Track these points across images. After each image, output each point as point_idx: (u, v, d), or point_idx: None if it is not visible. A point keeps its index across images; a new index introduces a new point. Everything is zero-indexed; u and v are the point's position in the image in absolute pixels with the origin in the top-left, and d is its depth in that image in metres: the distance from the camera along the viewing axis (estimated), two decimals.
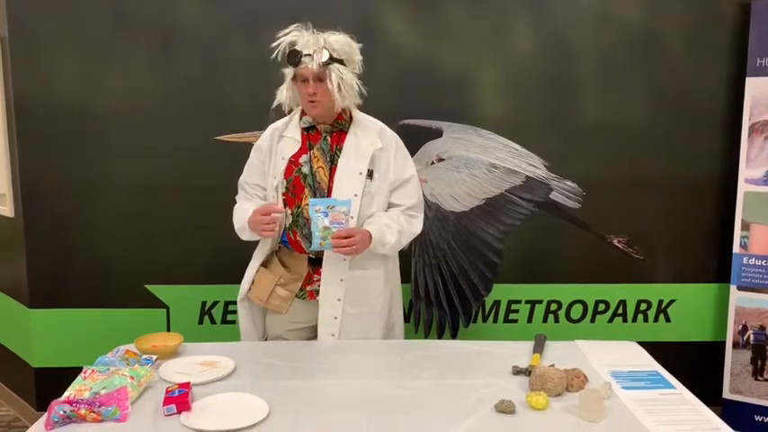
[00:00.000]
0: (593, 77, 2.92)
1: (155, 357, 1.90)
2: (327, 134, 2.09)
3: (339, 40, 1.99)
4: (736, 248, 2.92)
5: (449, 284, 2.97)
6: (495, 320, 3.07)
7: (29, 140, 2.87)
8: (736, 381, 2.96)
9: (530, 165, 2.94)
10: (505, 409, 1.62)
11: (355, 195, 2.03)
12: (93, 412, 1.55)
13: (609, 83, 2.92)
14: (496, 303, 3.05)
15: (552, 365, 1.81)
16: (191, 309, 2.95)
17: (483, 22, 2.86)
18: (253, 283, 2.15)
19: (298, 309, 2.12)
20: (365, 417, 1.61)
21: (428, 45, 2.86)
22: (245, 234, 2.11)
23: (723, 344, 2.99)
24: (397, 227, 2.07)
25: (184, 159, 2.85)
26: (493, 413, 1.62)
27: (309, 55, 1.94)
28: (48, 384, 2.97)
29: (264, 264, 2.15)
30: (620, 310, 3.08)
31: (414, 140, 2.90)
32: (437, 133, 2.91)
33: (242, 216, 2.09)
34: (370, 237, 2.00)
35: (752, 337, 2.92)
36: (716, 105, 2.95)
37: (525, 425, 1.58)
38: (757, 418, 2.92)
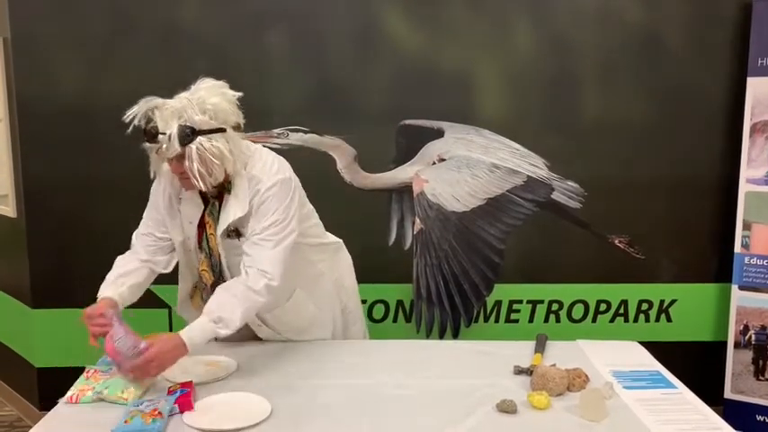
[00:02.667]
0: (595, 77, 2.92)
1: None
2: (214, 198, 1.89)
3: (209, 104, 1.74)
4: (737, 248, 2.92)
5: (450, 284, 2.97)
6: (497, 320, 3.07)
7: (31, 140, 2.87)
8: (737, 381, 2.96)
9: (531, 165, 2.94)
10: (507, 408, 1.62)
11: (224, 259, 1.90)
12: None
13: (610, 83, 2.92)
14: (498, 303, 3.06)
15: (554, 365, 1.81)
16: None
17: (484, 21, 2.86)
18: (194, 288, 2.09)
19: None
20: (367, 416, 1.62)
21: (429, 45, 2.86)
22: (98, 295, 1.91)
23: (724, 344, 2.99)
24: (238, 305, 1.78)
25: None
26: (494, 413, 1.63)
27: (164, 134, 1.71)
28: (50, 384, 2.96)
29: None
30: (621, 310, 3.08)
31: (415, 141, 2.92)
32: (438, 133, 2.91)
33: (103, 285, 1.93)
34: (182, 342, 1.71)
35: (753, 337, 2.92)
36: (717, 105, 2.95)
37: (527, 424, 1.58)
38: (759, 417, 2.92)
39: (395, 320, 3.05)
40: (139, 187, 2.88)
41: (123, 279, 1.94)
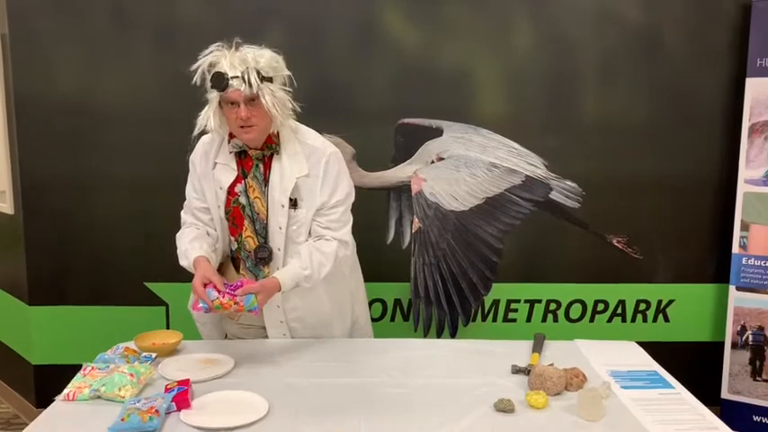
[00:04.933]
0: (594, 77, 2.92)
1: (154, 355, 1.90)
2: (259, 161, 1.94)
3: (265, 57, 1.82)
4: (735, 249, 2.92)
5: (448, 283, 2.97)
6: (495, 320, 3.07)
7: (29, 137, 2.87)
8: (734, 381, 2.96)
9: (529, 164, 2.94)
10: (505, 407, 1.62)
11: (279, 228, 1.95)
12: (236, 303, 1.76)
13: (609, 82, 2.92)
14: (496, 302, 3.06)
15: (551, 365, 1.81)
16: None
17: (483, 20, 2.86)
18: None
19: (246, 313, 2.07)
20: (364, 415, 1.61)
21: (428, 44, 2.86)
22: (184, 264, 1.97)
23: (722, 344, 2.99)
24: (326, 263, 1.94)
25: (184, 156, 2.84)
26: (492, 412, 1.63)
27: (237, 77, 1.77)
28: (47, 381, 2.97)
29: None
30: (619, 310, 3.08)
31: (413, 139, 2.91)
32: (437, 132, 2.91)
33: (185, 253, 1.95)
34: (278, 286, 1.87)
35: (750, 338, 2.92)
36: (716, 105, 2.95)
37: (524, 424, 1.58)
38: (756, 418, 2.92)
39: (392, 319, 3.04)
40: (137, 184, 2.89)
41: (199, 242, 1.97)
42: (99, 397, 1.66)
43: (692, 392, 1.79)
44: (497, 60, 2.89)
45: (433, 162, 2.92)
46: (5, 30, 2.81)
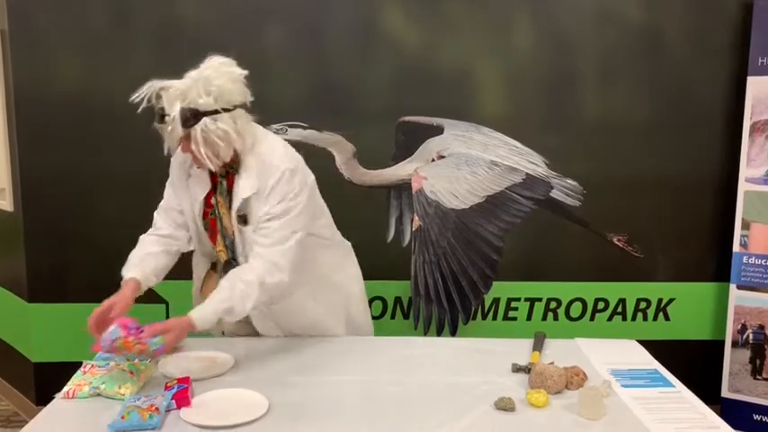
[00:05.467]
0: (595, 75, 2.92)
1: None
2: (222, 178, 1.90)
3: (212, 89, 1.73)
4: (736, 247, 2.92)
5: (448, 282, 2.97)
6: (495, 318, 3.07)
7: (28, 134, 2.86)
8: (734, 380, 2.96)
9: (530, 162, 2.94)
10: (505, 406, 1.62)
11: (239, 244, 1.91)
12: (140, 342, 1.62)
13: (610, 81, 2.92)
14: (496, 301, 3.05)
15: (552, 363, 1.81)
16: (190, 304, 2.91)
17: (484, 19, 2.85)
18: (204, 281, 2.10)
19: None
20: (365, 413, 1.61)
21: (429, 42, 2.85)
22: (123, 275, 1.91)
23: (722, 343, 2.99)
24: (250, 292, 1.79)
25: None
26: (493, 410, 1.63)
27: (169, 116, 1.71)
28: (47, 379, 2.97)
29: (213, 266, 2.10)
30: (619, 309, 3.08)
31: (414, 137, 2.91)
32: (438, 130, 2.91)
33: (127, 266, 1.91)
34: (191, 324, 1.74)
35: (751, 337, 2.92)
36: (717, 104, 2.94)
37: (525, 422, 1.58)
38: (756, 416, 2.92)
39: (393, 317, 3.04)
40: (137, 182, 2.89)
41: (148, 259, 1.94)
42: (99, 394, 1.66)
43: (692, 391, 1.79)
44: (498, 59, 2.89)
45: (433, 160, 2.92)
46: (5, 26, 2.80)
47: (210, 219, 1.96)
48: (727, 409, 2.93)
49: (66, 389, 1.68)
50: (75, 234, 2.92)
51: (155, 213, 2.06)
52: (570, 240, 3.00)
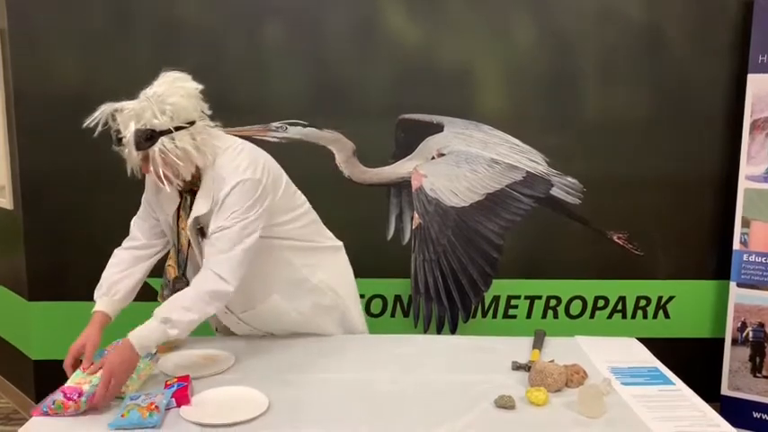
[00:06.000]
0: (595, 73, 2.92)
1: (154, 351, 1.90)
2: (186, 193, 1.86)
3: (163, 106, 1.68)
4: (736, 245, 2.92)
5: (448, 280, 2.97)
6: (495, 316, 3.07)
7: (28, 132, 2.86)
8: (734, 377, 2.96)
9: (530, 160, 2.94)
10: (505, 404, 1.62)
11: (198, 257, 1.88)
12: (75, 402, 1.57)
13: (610, 79, 2.92)
14: (496, 299, 3.05)
15: (552, 361, 1.81)
16: None
17: (484, 16, 2.85)
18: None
19: None
20: (364, 411, 1.61)
21: (429, 40, 2.85)
22: (95, 296, 1.93)
23: (722, 340, 2.99)
24: (188, 305, 1.73)
25: None
26: (493, 408, 1.63)
27: (124, 137, 1.69)
28: (47, 377, 2.95)
29: None
30: (619, 307, 3.08)
31: (414, 135, 2.91)
32: (438, 128, 2.90)
33: (99, 288, 1.93)
34: (132, 346, 1.66)
35: (751, 334, 2.92)
36: (717, 102, 2.94)
37: (525, 420, 1.58)
38: (755, 414, 2.92)
39: (392, 315, 3.04)
40: (136, 180, 2.88)
41: (117, 287, 1.93)
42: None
43: (692, 389, 1.79)
44: (498, 57, 2.88)
45: (433, 158, 2.92)
46: (5, 25, 2.80)
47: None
48: (727, 407, 2.93)
49: (67, 385, 1.67)
50: (74, 232, 2.92)
51: (131, 223, 2.05)
52: (570, 238, 3.00)
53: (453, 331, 3.01)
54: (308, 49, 2.82)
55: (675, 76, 2.92)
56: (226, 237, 1.76)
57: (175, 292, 1.82)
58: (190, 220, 1.84)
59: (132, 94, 1.78)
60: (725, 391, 2.97)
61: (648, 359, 1.99)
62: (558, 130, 2.93)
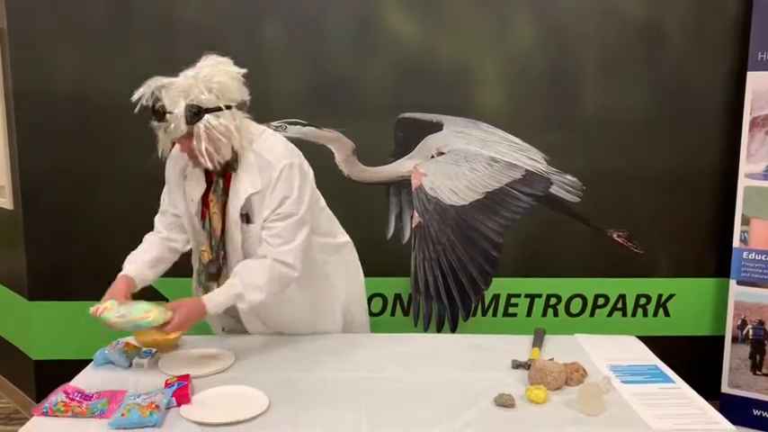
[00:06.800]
0: (594, 71, 2.91)
1: (154, 350, 1.90)
2: (219, 176, 1.89)
3: (213, 84, 1.75)
4: (735, 243, 2.92)
5: (448, 278, 2.97)
6: (495, 314, 3.07)
7: (28, 132, 2.86)
8: (734, 375, 2.96)
9: (530, 159, 2.94)
10: (505, 402, 1.62)
11: (237, 245, 1.92)
12: (79, 407, 1.57)
13: (609, 77, 2.92)
14: (496, 297, 3.06)
15: (552, 359, 1.81)
16: None
17: (483, 15, 2.85)
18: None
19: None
20: (364, 410, 1.61)
21: (428, 38, 2.85)
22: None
23: (722, 338, 2.99)
24: (261, 285, 1.84)
25: None
26: (492, 406, 1.63)
27: (172, 113, 1.72)
28: (47, 377, 2.97)
29: None
30: (619, 305, 3.08)
31: (414, 134, 2.91)
32: (437, 127, 2.90)
33: (124, 267, 1.96)
34: (203, 308, 1.81)
35: (751, 332, 2.92)
36: (717, 99, 2.94)
37: (525, 418, 1.58)
38: (755, 412, 2.93)
39: (393, 314, 3.05)
40: (136, 179, 2.89)
41: (145, 256, 1.99)
42: (125, 317, 1.72)
43: (691, 386, 1.79)
44: (498, 55, 2.88)
45: (433, 157, 2.92)
46: (4, 24, 2.80)
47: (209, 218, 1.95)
48: (727, 405, 2.93)
49: (95, 307, 1.77)
50: (74, 232, 2.92)
51: (155, 218, 2.10)
52: (570, 236, 3.00)
53: (453, 330, 3.01)
54: (307, 49, 2.82)
55: (675, 73, 2.92)
56: (287, 226, 1.85)
57: (211, 276, 1.94)
58: (239, 201, 1.86)
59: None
60: (725, 388, 2.98)
61: (648, 357, 2.00)
62: (558, 129, 2.93)
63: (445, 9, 2.84)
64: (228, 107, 1.78)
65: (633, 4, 2.86)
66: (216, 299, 1.83)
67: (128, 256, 2.00)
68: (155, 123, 1.79)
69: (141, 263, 1.97)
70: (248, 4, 2.78)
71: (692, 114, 2.94)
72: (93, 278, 2.93)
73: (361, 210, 2.90)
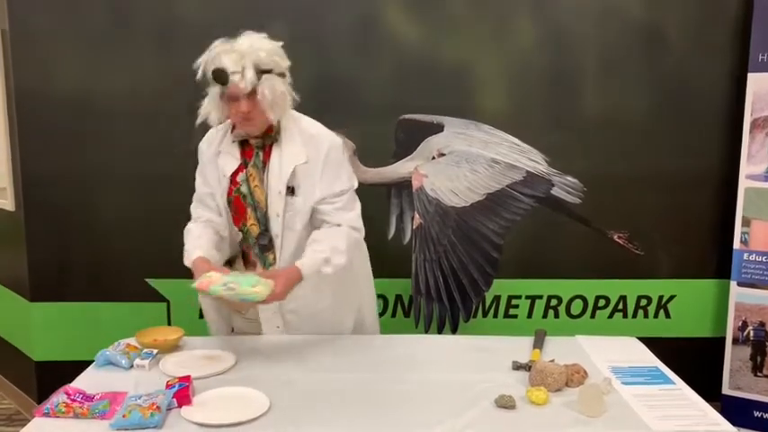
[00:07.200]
0: (595, 72, 2.92)
1: (155, 351, 1.90)
2: (259, 149, 1.97)
3: (265, 49, 1.84)
4: (736, 244, 2.92)
5: (449, 279, 2.97)
6: (496, 315, 3.07)
7: (29, 133, 2.87)
8: (735, 377, 2.96)
9: (531, 160, 2.94)
10: (506, 403, 1.62)
11: (277, 215, 1.97)
12: (81, 407, 1.57)
13: (610, 78, 2.92)
14: (497, 298, 3.06)
15: (552, 361, 1.81)
16: (191, 303, 2.93)
17: (484, 16, 2.85)
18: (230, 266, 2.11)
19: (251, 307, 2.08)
20: (365, 410, 1.61)
21: (429, 39, 2.85)
22: (187, 264, 1.96)
23: (723, 340, 2.99)
24: (342, 249, 1.94)
25: (185, 152, 2.83)
26: (493, 408, 1.63)
27: (237, 72, 1.80)
28: (48, 378, 2.97)
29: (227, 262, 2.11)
30: (620, 306, 3.08)
31: (415, 135, 2.91)
32: (438, 128, 2.91)
33: (187, 254, 1.96)
34: (299, 274, 1.87)
35: (752, 334, 2.92)
36: (717, 101, 2.94)
37: (525, 420, 1.58)
38: (756, 413, 2.93)
39: (393, 315, 3.05)
40: (137, 180, 2.89)
41: (202, 241, 1.99)
42: (234, 290, 1.74)
43: (692, 388, 1.79)
44: (499, 56, 2.89)
45: (433, 158, 2.92)
46: (6, 26, 2.81)
47: (234, 196, 2.00)
48: (728, 407, 2.93)
49: (196, 283, 1.77)
50: (76, 233, 2.92)
51: (190, 207, 2.12)
52: (571, 238, 3.00)
53: (454, 331, 3.01)
54: (308, 50, 2.82)
55: (676, 75, 2.92)
56: (348, 198, 2.01)
57: (263, 248, 1.99)
58: (285, 173, 1.93)
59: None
60: (726, 390, 2.97)
61: (649, 359, 1.99)
62: (558, 130, 2.93)
63: (446, 11, 2.84)
64: (281, 74, 1.88)
65: (633, 6, 2.87)
66: (307, 263, 1.88)
67: (186, 247, 1.99)
68: (214, 89, 1.87)
69: (206, 244, 1.98)
70: (249, 4, 2.79)
71: (693, 116, 2.94)
72: (94, 279, 2.97)
73: (362, 211, 2.88)
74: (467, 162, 2.92)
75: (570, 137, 2.93)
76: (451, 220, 2.93)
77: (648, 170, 2.96)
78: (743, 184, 2.88)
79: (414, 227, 2.95)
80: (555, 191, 2.97)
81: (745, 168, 2.87)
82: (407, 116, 2.89)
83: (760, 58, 2.80)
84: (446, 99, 2.88)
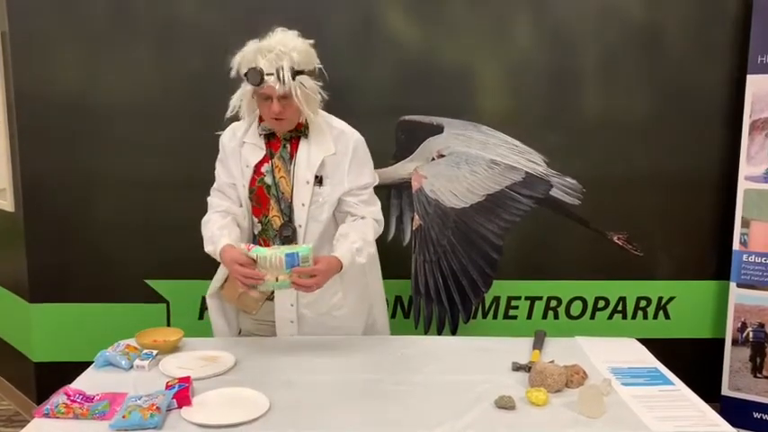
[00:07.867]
0: (595, 74, 2.92)
1: (155, 352, 1.90)
2: (287, 141, 2.03)
3: (299, 49, 1.88)
4: (735, 245, 2.92)
5: (449, 281, 2.97)
6: (495, 317, 3.07)
7: (29, 135, 2.87)
8: (734, 378, 2.96)
9: (530, 161, 2.94)
10: (505, 404, 1.63)
11: (303, 205, 2.00)
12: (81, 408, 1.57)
13: (610, 79, 2.92)
14: (496, 299, 3.06)
15: (552, 362, 1.81)
16: (191, 304, 2.95)
17: (484, 17, 2.85)
18: (225, 280, 2.11)
19: (264, 308, 2.12)
20: (365, 412, 1.62)
21: (429, 41, 2.86)
22: (209, 250, 1.99)
23: (722, 341, 2.99)
24: (371, 240, 2.07)
25: (185, 153, 2.84)
26: (493, 409, 1.63)
27: (272, 74, 1.84)
28: (48, 379, 2.97)
29: None
30: (619, 307, 3.09)
31: (414, 136, 2.91)
32: (438, 129, 2.91)
33: (212, 239, 1.97)
34: (339, 263, 1.92)
35: (751, 335, 2.92)
36: (717, 102, 2.94)
37: (525, 420, 1.59)
38: (756, 414, 2.93)
39: (393, 316, 3.04)
40: (137, 182, 2.89)
41: (225, 231, 2.00)
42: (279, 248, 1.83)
43: (692, 389, 1.79)
44: (498, 57, 2.89)
45: (433, 159, 2.92)
46: (6, 27, 2.81)
47: (258, 187, 2.03)
48: (727, 408, 2.93)
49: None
50: (75, 234, 2.92)
51: (208, 198, 2.13)
52: (570, 239, 3.01)
53: (454, 332, 3.01)
54: None
55: (675, 76, 2.92)
56: (370, 192, 2.11)
57: (286, 239, 2.02)
58: (314, 164, 1.99)
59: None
60: (725, 391, 2.98)
61: (648, 359, 2.00)
62: (558, 131, 2.93)
63: (445, 12, 2.84)
64: (312, 72, 1.92)
65: (633, 7, 2.87)
66: (344, 254, 1.93)
67: (207, 234, 2.00)
68: (247, 88, 1.92)
69: (230, 233, 1.99)
70: (249, 5, 2.79)
71: (693, 117, 2.95)
72: (93, 280, 2.97)
73: None
74: (466, 163, 2.92)
75: (569, 138, 2.94)
76: (451, 221, 2.93)
77: (648, 171, 2.97)
78: (742, 185, 2.88)
79: (413, 228, 2.95)
80: (554, 192, 2.97)
81: (744, 170, 2.88)
82: (407, 117, 2.89)
83: (759, 59, 2.81)
84: (446, 100, 2.88)
